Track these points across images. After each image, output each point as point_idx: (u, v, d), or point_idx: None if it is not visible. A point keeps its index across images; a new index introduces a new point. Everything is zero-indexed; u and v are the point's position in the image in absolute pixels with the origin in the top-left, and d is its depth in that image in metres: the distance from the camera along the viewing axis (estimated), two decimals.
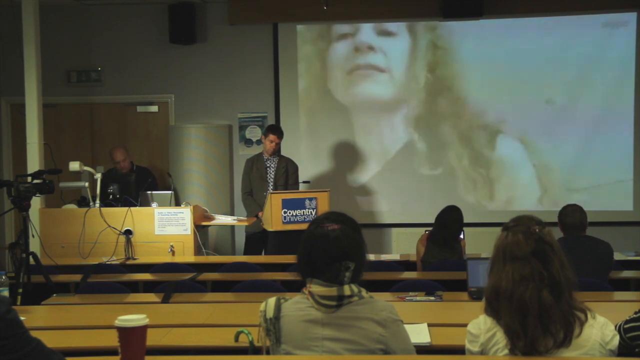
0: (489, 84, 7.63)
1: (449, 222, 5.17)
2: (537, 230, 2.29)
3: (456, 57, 7.64)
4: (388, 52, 7.71)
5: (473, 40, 7.61)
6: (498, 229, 2.39)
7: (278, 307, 2.38)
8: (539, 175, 7.64)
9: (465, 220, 5.29)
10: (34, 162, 6.17)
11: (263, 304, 2.40)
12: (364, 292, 2.37)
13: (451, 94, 7.67)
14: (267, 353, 2.38)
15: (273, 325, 2.35)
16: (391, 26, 7.70)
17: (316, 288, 2.34)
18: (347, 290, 2.33)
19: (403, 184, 7.77)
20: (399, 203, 7.79)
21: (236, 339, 2.90)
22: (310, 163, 7.75)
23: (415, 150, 7.76)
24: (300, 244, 2.41)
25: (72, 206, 6.08)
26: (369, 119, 7.80)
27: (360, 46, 7.73)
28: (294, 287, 3.38)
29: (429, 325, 3.18)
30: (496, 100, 7.63)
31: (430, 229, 5.33)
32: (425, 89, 7.71)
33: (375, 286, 2.66)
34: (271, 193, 5.97)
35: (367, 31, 7.72)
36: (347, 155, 7.82)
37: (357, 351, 2.32)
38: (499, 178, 7.70)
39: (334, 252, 2.33)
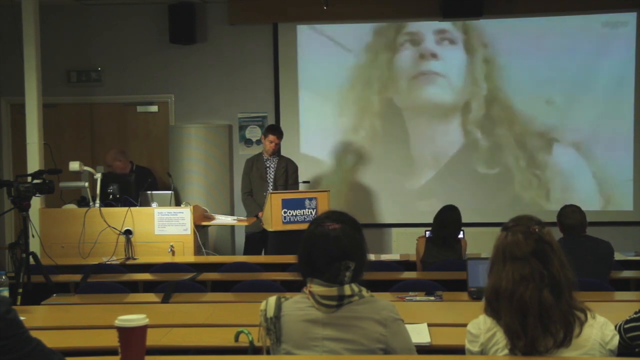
0: (502, 81, 7.65)
1: (448, 221, 5.16)
2: (536, 230, 2.29)
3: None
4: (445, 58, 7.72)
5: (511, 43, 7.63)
6: (498, 229, 2.39)
7: (278, 307, 2.37)
8: (539, 175, 7.65)
9: (465, 221, 5.29)
10: (34, 162, 6.17)
11: (263, 303, 2.39)
12: (364, 292, 2.36)
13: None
14: (267, 353, 2.37)
15: (273, 325, 2.34)
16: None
17: (316, 288, 2.34)
18: (347, 290, 2.32)
19: (402, 184, 7.77)
20: (399, 203, 7.79)
21: (236, 339, 2.90)
22: (310, 163, 7.75)
23: (413, 151, 7.77)
24: (300, 244, 2.40)
25: (72, 206, 6.07)
26: (369, 120, 7.81)
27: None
28: (294, 287, 3.38)
29: (429, 325, 3.18)
30: (496, 100, 7.65)
31: (429, 229, 5.33)
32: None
33: (375, 286, 2.66)
34: (271, 193, 5.97)
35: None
36: (347, 156, 7.83)
37: (357, 351, 2.32)
38: (499, 178, 7.71)
39: (334, 251, 2.32)
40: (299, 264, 2.41)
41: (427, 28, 7.68)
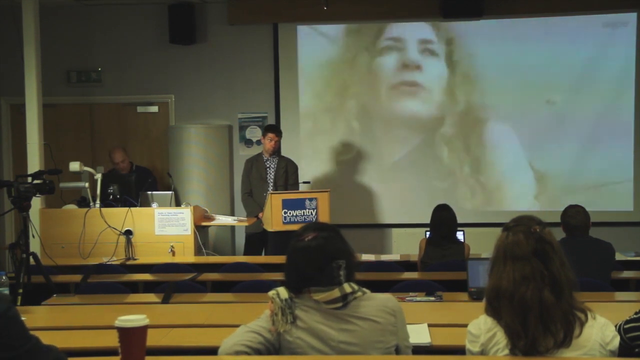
0: (492, 85, 7.66)
1: (442, 220, 5.17)
2: (537, 230, 2.29)
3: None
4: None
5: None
6: (498, 230, 2.40)
7: (290, 294, 2.39)
8: (540, 175, 7.65)
9: (465, 221, 5.28)
10: (34, 162, 6.17)
11: (272, 291, 2.40)
12: (363, 289, 2.41)
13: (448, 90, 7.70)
14: (279, 338, 2.36)
15: (289, 306, 2.35)
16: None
17: (318, 295, 2.36)
18: (347, 288, 2.36)
19: (402, 184, 7.77)
20: (399, 203, 7.78)
21: None
22: (310, 163, 7.75)
23: (412, 151, 7.77)
24: (286, 261, 2.44)
25: (72, 206, 6.07)
26: (369, 120, 7.81)
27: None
28: None
29: (429, 325, 3.18)
30: (497, 100, 7.65)
31: (429, 229, 5.33)
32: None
33: (375, 286, 2.65)
34: (271, 193, 5.96)
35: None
36: (347, 156, 7.82)
37: (371, 345, 2.35)
38: (500, 178, 7.71)
39: (320, 259, 2.37)
40: (289, 279, 2.43)
41: (428, 33, 7.68)
